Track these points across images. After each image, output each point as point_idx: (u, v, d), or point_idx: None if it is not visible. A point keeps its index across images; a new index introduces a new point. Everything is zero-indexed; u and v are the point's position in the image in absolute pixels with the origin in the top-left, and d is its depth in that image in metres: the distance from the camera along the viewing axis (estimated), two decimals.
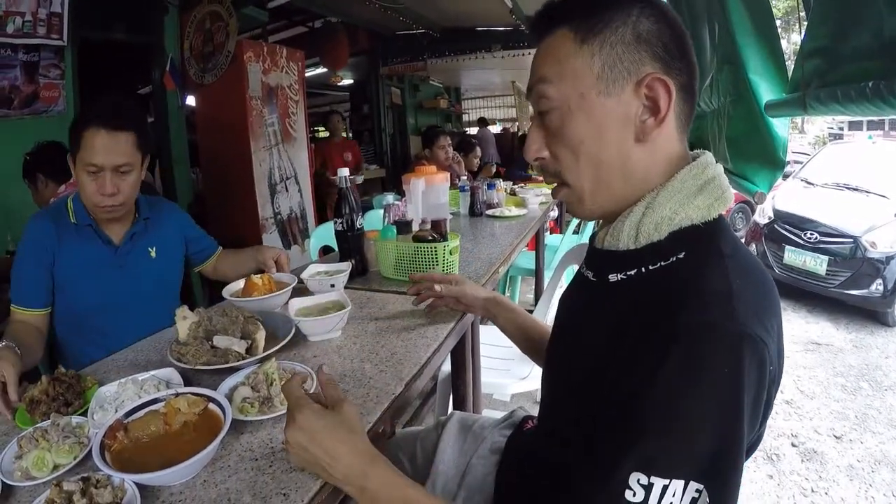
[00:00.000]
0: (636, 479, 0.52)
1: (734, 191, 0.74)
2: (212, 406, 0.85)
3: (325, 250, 2.65)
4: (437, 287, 1.25)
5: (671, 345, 0.53)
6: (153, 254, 1.56)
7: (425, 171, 1.96)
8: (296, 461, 0.73)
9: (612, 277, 0.67)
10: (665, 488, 0.51)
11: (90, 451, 0.80)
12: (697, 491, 0.51)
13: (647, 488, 0.51)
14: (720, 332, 0.53)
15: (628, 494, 0.52)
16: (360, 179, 5.12)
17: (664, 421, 0.53)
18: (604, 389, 0.59)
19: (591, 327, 0.70)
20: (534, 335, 1.13)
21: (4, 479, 0.77)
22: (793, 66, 1.50)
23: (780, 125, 1.69)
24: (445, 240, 1.50)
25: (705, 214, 0.64)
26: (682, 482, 0.51)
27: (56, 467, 0.80)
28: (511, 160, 7.04)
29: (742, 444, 0.53)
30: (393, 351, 1.12)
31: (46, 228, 1.41)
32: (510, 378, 1.93)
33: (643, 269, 0.64)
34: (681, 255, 0.62)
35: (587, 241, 2.48)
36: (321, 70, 6.46)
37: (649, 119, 0.64)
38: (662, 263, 0.63)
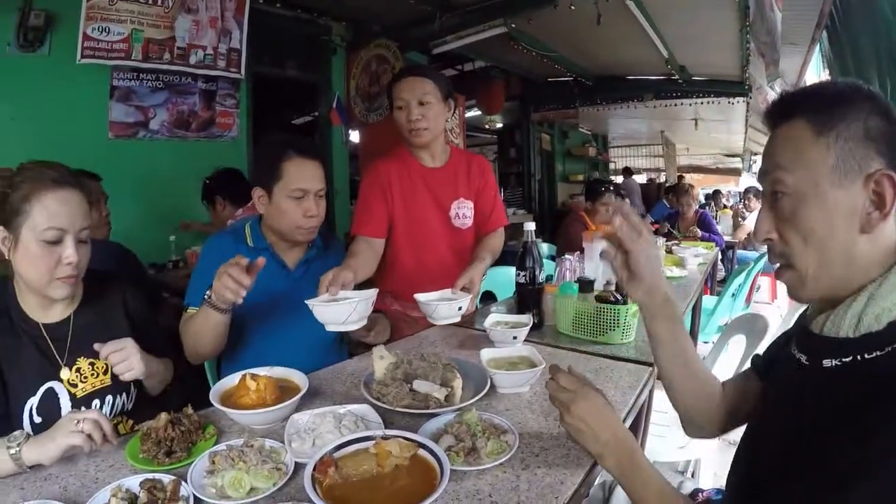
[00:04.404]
0: None
1: None
2: (421, 452, 0.85)
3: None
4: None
5: None
6: None
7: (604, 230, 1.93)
8: (573, 433, 0.86)
9: (827, 363, 0.69)
10: None
11: (289, 478, 0.82)
12: None
13: None
14: None
15: None
16: None
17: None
18: (824, 471, 0.61)
19: (808, 409, 0.70)
20: (698, 372, 0.96)
21: (196, 494, 0.77)
22: None
23: None
24: (626, 303, 1.50)
25: None
26: None
27: (252, 490, 0.79)
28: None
29: None
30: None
31: (227, 245, 1.49)
32: (666, 445, 1.83)
33: (858, 357, 0.65)
34: None
35: (757, 313, 2.23)
36: (473, 112, 6.78)
37: (875, 212, 0.66)
38: (878, 353, 0.64)
